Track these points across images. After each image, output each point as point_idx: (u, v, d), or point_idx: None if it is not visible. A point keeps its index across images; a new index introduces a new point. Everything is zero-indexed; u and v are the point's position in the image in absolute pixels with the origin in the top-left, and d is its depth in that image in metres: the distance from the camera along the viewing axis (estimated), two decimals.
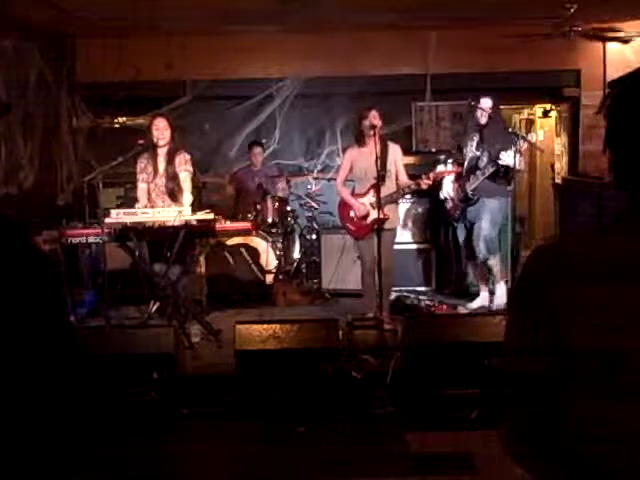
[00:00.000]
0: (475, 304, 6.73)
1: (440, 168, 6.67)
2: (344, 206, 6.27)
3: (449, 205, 6.68)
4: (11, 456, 1.68)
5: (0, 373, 1.66)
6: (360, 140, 6.13)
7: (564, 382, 1.37)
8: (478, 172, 6.35)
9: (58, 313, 1.83)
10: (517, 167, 6.15)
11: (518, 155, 6.06)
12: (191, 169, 6.09)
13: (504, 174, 6.30)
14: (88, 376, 1.93)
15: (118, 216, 5.60)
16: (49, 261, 1.98)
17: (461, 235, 6.71)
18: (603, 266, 1.33)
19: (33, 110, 7.18)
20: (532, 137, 6.31)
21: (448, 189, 6.65)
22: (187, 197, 6.00)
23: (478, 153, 6.41)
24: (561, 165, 8.90)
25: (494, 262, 6.47)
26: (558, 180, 8.83)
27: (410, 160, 8.03)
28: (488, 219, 6.37)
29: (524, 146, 6.18)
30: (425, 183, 5.91)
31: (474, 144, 6.44)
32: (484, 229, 6.38)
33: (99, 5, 6.59)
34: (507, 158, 6.11)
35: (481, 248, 6.41)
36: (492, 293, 6.67)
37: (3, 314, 1.66)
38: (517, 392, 1.47)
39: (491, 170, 6.24)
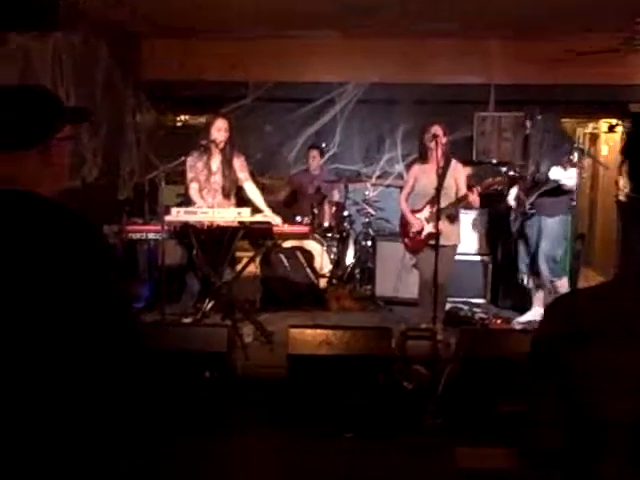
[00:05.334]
0: (524, 318, 6.64)
1: (488, 181, 6.54)
2: (404, 221, 6.29)
3: (512, 216, 6.60)
4: (65, 447, 1.72)
5: (64, 366, 1.70)
6: (422, 155, 6.12)
7: (591, 452, 1.30)
8: (534, 189, 6.26)
9: (122, 307, 1.87)
10: (570, 183, 6.04)
11: (574, 169, 5.95)
12: (249, 174, 6.19)
13: (557, 189, 6.18)
14: (146, 371, 1.95)
15: (178, 214, 5.68)
16: (113, 254, 2.01)
17: (522, 250, 6.61)
18: (618, 323, 1.24)
19: (99, 105, 7.31)
20: (585, 149, 6.17)
21: (513, 197, 6.56)
22: (263, 206, 6.08)
23: (531, 168, 6.33)
24: (625, 182, 8.70)
25: (560, 284, 6.37)
26: (622, 197, 8.64)
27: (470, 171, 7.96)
28: (549, 239, 6.26)
29: (584, 161, 6.06)
30: (471, 196, 5.86)
31: (533, 159, 6.35)
32: (545, 249, 6.26)
33: (168, 7, 6.69)
34: (556, 173, 5.99)
35: (543, 269, 6.30)
36: None
37: (69, 307, 1.69)
38: (543, 466, 1.40)
39: (544, 188, 6.14)
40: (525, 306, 6.91)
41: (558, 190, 6.18)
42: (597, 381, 1.25)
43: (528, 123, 6.33)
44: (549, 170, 6.06)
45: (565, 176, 6.00)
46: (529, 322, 6.61)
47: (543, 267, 6.32)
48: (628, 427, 1.23)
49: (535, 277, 6.61)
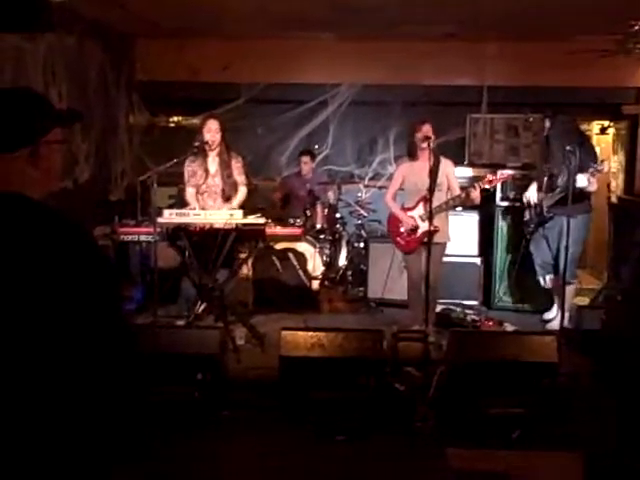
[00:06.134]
0: (550, 315, 6.70)
1: (489, 177, 6.48)
2: (393, 220, 6.24)
3: (527, 215, 6.60)
4: (58, 449, 1.71)
5: (56, 369, 1.70)
6: (412, 153, 6.10)
7: None
8: (555, 193, 6.27)
9: (115, 309, 1.86)
10: (592, 188, 6.06)
11: (592, 177, 5.98)
12: (246, 182, 6.19)
13: (580, 194, 6.14)
14: (139, 374, 1.95)
15: (170, 216, 5.67)
16: (106, 258, 2.01)
17: (537, 250, 6.61)
18: None
19: (92, 106, 7.30)
20: (605, 167, 6.19)
21: (533, 196, 6.56)
22: (240, 196, 6.08)
23: (551, 169, 6.33)
24: (617, 184, 8.75)
25: (574, 286, 6.39)
26: (614, 199, 8.67)
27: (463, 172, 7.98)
28: (573, 239, 6.09)
29: (597, 173, 6.08)
30: (474, 193, 5.85)
31: (549, 160, 6.36)
32: (569, 250, 6.08)
33: (161, 8, 6.69)
34: (582, 181, 5.98)
35: (568, 270, 6.22)
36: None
37: (61, 310, 1.69)
38: None
39: (562, 194, 6.14)
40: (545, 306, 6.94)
41: (578, 195, 6.13)
42: None
43: (547, 123, 6.32)
44: (575, 177, 5.92)
45: (589, 183, 6.01)
46: (552, 319, 6.63)
47: (568, 268, 6.22)
48: None
49: (554, 277, 6.60)
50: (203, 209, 5.94)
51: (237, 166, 6.11)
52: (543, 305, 7.02)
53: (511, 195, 7.30)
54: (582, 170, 5.96)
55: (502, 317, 6.83)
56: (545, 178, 6.42)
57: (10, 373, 1.67)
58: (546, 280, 6.73)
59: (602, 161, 6.31)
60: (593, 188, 6.25)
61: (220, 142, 6.01)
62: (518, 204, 6.97)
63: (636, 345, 4.72)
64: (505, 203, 7.37)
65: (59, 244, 1.72)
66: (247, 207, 6.05)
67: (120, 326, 1.86)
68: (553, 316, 6.68)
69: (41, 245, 1.69)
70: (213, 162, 6.08)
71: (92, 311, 1.75)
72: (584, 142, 6.43)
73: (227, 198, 6.08)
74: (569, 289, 6.32)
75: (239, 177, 6.13)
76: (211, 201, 6.09)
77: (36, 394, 1.68)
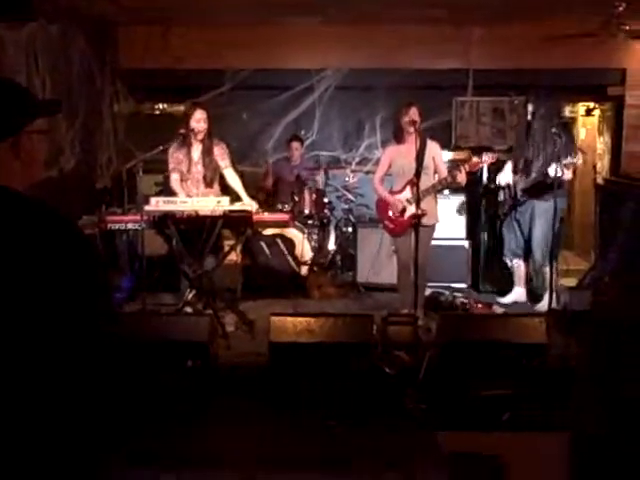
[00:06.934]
0: (509, 299, 6.70)
1: (475, 159, 6.47)
2: (381, 204, 6.24)
3: (501, 196, 6.61)
4: (44, 444, 1.71)
5: (42, 363, 1.69)
6: (399, 137, 6.09)
7: None
8: (529, 178, 6.28)
9: (102, 301, 1.85)
10: (566, 178, 6.08)
11: (566, 170, 5.98)
12: (230, 162, 6.17)
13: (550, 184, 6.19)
14: (127, 363, 1.95)
15: (157, 204, 5.65)
16: (92, 249, 2.00)
17: (508, 233, 6.64)
18: None
19: (76, 94, 7.25)
20: (580, 160, 6.18)
21: (508, 178, 6.57)
22: (246, 199, 6.05)
23: (529, 153, 6.34)
24: (603, 165, 8.78)
25: (547, 270, 6.42)
26: (599, 180, 8.70)
27: (450, 155, 7.99)
28: (542, 223, 6.28)
29: (571, 166, 6.08)
30: (460, 176, 5.85)
31: (529, 144, 6.37)
32: (538, 236, 6.29)
33: None
34: (553, 172, 5.99)
35: (537, 256, 6.34)
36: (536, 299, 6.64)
37: (46, 302, 1.68)
38: None
39: (537, 180, 6.16)
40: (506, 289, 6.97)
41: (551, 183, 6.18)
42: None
43: (530, 107, 6.32)
44: (549, 166, 6.02)
45: (563, 174, 6.02)
46: (514, 302, 6.67)
47: (537, 252, 6.34)
48: None
49: (524, 261, 6.64)
50: (188, 196, 5.94)
51: (220, 152, 6.10)
52: (502, 287, 7.07)
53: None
54: (558, 159, 5.95)
55: (489, 299, 6.88)
56: (522, 161, 6.43)
57: None
58: (512, 263, 6.78)
59: (579, 152, 6.25)
60: (567, 177, 6.24)
61: (206, 132, 6.01)
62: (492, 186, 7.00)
63: (627, 326, 4.75)
64: (492, 185, 7.37)
65: (42, 236, 1.71)
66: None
67: (106, 317, 1.85)
68: (509, 301, 6.73)
69: (23, 237, 1.68)
70: (196, 150, 6.08)
71: (77, 302, 1.74)
72: (565, 129, 6.45)
73: (209, 184, 6.09)
74: (546, 271, 6.38)
75: (222, 162, 6.11)
76: (194, 188, 6.10)
77: (21, 387, 1.68)
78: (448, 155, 7.92)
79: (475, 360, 4.65)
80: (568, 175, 6.22)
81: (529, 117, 6.38)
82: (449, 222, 7.25)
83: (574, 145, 6.39)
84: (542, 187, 6.23)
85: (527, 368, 4.57)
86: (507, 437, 4.11)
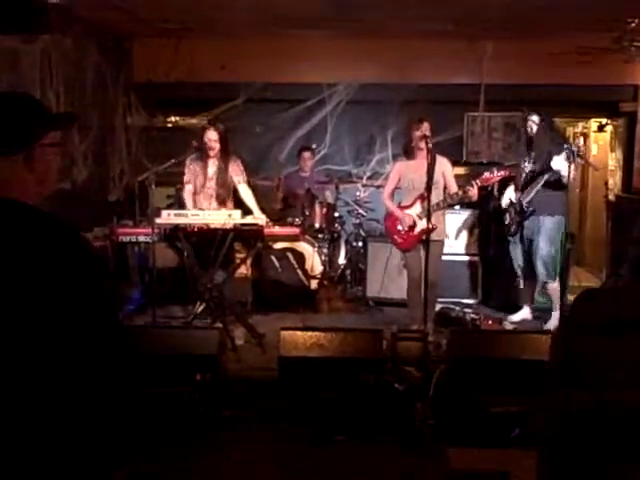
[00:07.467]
0: (517, 317, 6.67)
1: (487, 175, 6.37)
2: (390, 218, 6.24)
3: (507, 218, 6.59)
4: (55, 451, 1.71)
5: (52, 374, 1.69)
6: (409, 152, 6.10)
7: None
8: (533, 184, 6.26)
9: (109, 314, 1.85)
10: (569, 174, 6.02)
11: (571, 165, 5.93)
12: (245, 178, 6.21)
13: (557, 182, 6.18)
14: (136, 376, 1.94)
15: (169, 217, 5.67)
16: (101, 261, 2.00)
17: (514, 250, 6.61)
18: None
19: (89, 107, 7.30)
20: (581, 147, 6.15)
21: (511, 196, 6.56)
22: (257, 213, 6.09)
23: (531, 166, 6.32)
24: (614, 181, 8.75)
25: (553, 287, 6.38)
26: (611, 197, 8.67)
27: (461, 171, 7.98)
28: (545, 238, 6.26)
29: (577, 160, 6.05)
30: (472, 191, 5.85)
31: (528, 158, 6.35)
32: (541, 249, 6.27)
33: (159, 8, 6.68)
34: (558, 163, 5.98)
35: (540, 270, 6.32)
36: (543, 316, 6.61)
37: (55, 315, 1.69)
38: None
39: (545, 177, 6.15)
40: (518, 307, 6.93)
41: (555, 185, 6.17)
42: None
43: (532, 123, 6.30)
44: (551, 160, 6.03)
45: (565, 167, 5.98)
46: (521, 321, 6.64)
47: (540, 268, 6.32)
48: None
49: (529, 277, 6.62)
50: (200, 210, 5.98)
51: (235, 168, 6.16)
52: (512, 304, 7.02)
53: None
54: (557, 154, 5.97)
55: (499, 315, 6.85)
56: (522, 176, 6.41)
57: (5, 377, 1.66)
58: (518, 280, 6.77)
59: (576, 150, 6.18)
60: (570, 174, 6.09)
61: (219, 151, 6.07)
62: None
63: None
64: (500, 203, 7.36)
65: (53, 249, 1.71)
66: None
67: (115, 329, 1.85)
68: (518, 319, 6.70)
69: (35, 250, 1.69)
70: (212, 165, 6.15)
71: (87, 314, 1.74)
72: (557, 138, 6.46)
73: (222, 202, 6.14)
74: (552, 287, 6.36)
75: (237, 177, 6.16)
76: (206, 203, 6.15)
77: (32, 397, 1.68)
78: (459, 170, 7.89)
79: (485, 376, 4.62)
80: (571, 174, 6.11)
81: (531, 130, 6.35)
82: (460, 237, 7.23)
83: (569, 145, 6.33)
84: (546, 196, 6.20)
85: (537, 385, 4.53)
86: (517, 454, 4.08)
